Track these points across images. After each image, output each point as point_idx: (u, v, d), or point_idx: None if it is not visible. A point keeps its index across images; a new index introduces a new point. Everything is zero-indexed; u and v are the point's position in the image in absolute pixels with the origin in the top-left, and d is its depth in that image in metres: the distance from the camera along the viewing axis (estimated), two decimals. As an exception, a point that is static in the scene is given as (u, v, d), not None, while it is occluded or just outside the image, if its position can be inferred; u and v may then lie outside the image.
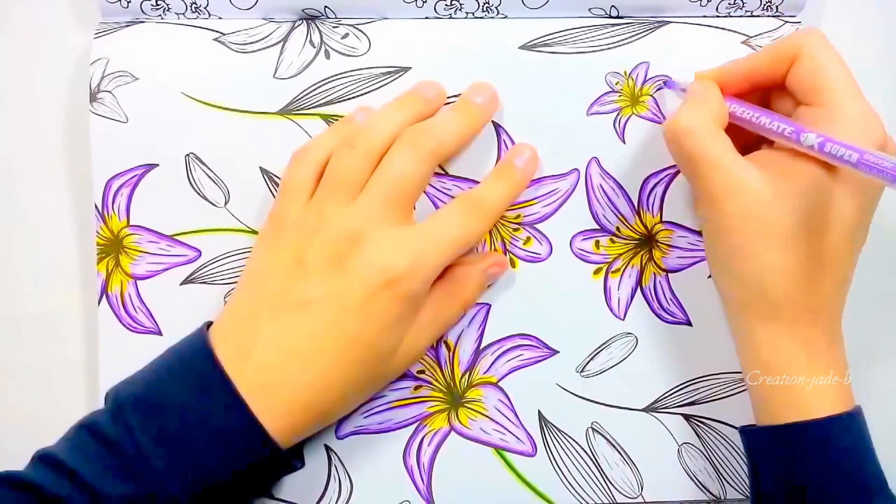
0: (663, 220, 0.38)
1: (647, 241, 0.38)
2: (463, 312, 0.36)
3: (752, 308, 0.33)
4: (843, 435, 0.31)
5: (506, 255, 0.37)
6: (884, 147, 0.31)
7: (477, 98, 0.36)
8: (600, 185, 0.37)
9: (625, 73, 0.37)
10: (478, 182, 0.37)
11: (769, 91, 0.35)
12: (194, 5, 0.37)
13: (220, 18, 0.38)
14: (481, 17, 0.38)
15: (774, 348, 0.32)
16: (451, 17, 0.38)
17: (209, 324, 0.34)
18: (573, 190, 0.37)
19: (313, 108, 0.37)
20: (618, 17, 0.38)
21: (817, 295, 0.32)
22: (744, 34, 0.37)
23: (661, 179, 0.37)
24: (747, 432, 0.34)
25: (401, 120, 0.35)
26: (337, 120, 0.37)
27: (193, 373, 0.31)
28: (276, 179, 0.37)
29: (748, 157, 0.33)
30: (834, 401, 0.32)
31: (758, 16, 0.38)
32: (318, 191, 0.34)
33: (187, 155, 0.37)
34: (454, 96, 0.37)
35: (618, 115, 0.37)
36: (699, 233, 0.38)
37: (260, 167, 0.37)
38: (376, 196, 0.33)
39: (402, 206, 0.33)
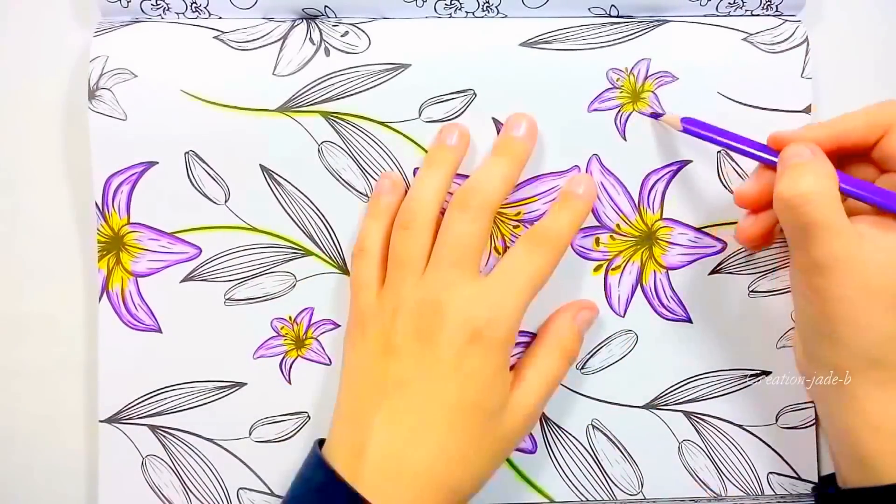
0: (664, 216, 0.37)
1: (648, 238, 0.38)
2: (567, 363, 0.36)
3: (863, 374, 0.31)
4: None
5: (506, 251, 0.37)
6: None
7: (517, 132, 0.36)
8: (601, 182, 0.37)
9: (626, 69, 0.37)
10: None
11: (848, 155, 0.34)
12: (194, 5, 0.37)
13: (220, 18, 0.37)
14: (481, 17, 0.38)
15: (888, 413, 0.31)
16: (450, 17, 0.38)
17: (321, 441, 0.34)
18: (574, 187, 0.37)
19: (313, 104, 0.37)
20: (618, 17, 0.38)
21: None
22: (744, 31, 0.37)
23: (662, 176, 0.37)
24: (834, 496, 0.33)
25: (439, 184, 0.35)
26: (339, 117, 0.37)
27: (316, 490, 0.32)
28: (276, 176, 0.37)
29: (854, 223, 0.31)
30: None
31: (757, 15, 0.38)
32: (388, 277, 0.35)
33: (187, 152, 0.37)
34: (457, 92, 0.37)
35: (619, 111, 0.37)
36: (700, 230, 0.37)
37: (260, 164, 0.37)
38: (444, 264, 0.33)
39: (470, 266, 0.34)
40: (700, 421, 0.38)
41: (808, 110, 0.37)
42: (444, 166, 0.36)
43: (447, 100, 0.37)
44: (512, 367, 0.35)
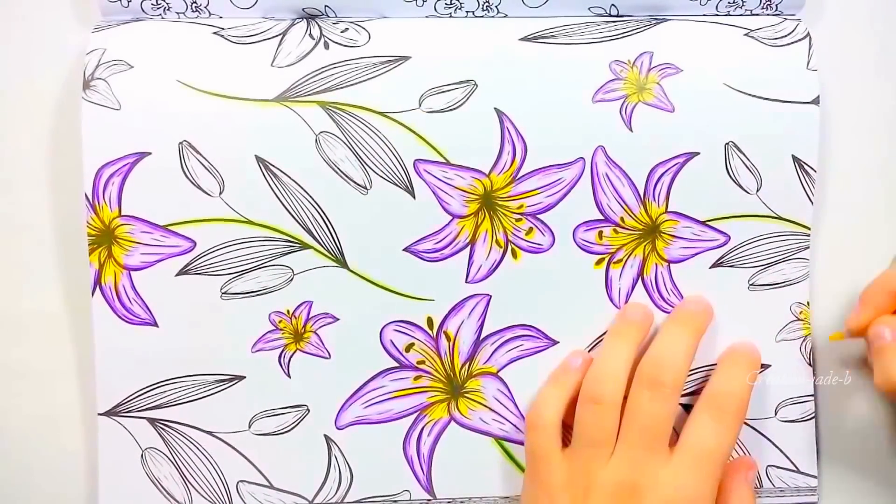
0: (669, 209, 0.37)
1: (652, 232, 0.37)
2: None
3: None
4: None
5: (507, 246, 0.37)
6: None
7: (693, 305, 0.36)
8: (606, 175, 0.37)
9: (629, 61, 0.36)
10: (479, 171, 0.36)
11: None
12: (194, 4, 0.36)
13: (221, 18, 0.36)
14: (482, 17, 0.37)
15: None
16: (451, 17, 0.37)
17: None
18: (578, 179, 0.37)
19: (311, 95, 0.35)
20: (618, 16, 0.37)
21: None
22: (746, 28, 0.36)
23: (669, 169, 0.37)
24: None
25: (628, 358, 0.35)
26: (338, 107, 0.35)
27: None
28: (271, 167, 0.36)
29: None
30: None
31: (757, 14, 0.37)
32: (575, 452, 0.34)
33: (181, 143, 0.35)
34: (458, 83, 0.36)
35: (624, 102, 0.36)
36: (704, 223, 0.37)
37: (256, 155, 0.36)
38: (636, 444, 0.33)
39: (662, 446, 0.34)
40: None
41: (816, 101, 0.36)
42: (631, 342, 0.36)
43: (448, 90, 0.36)
44: None
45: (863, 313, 0.34)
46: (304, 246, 0.36)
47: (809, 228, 0.37)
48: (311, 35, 0.36)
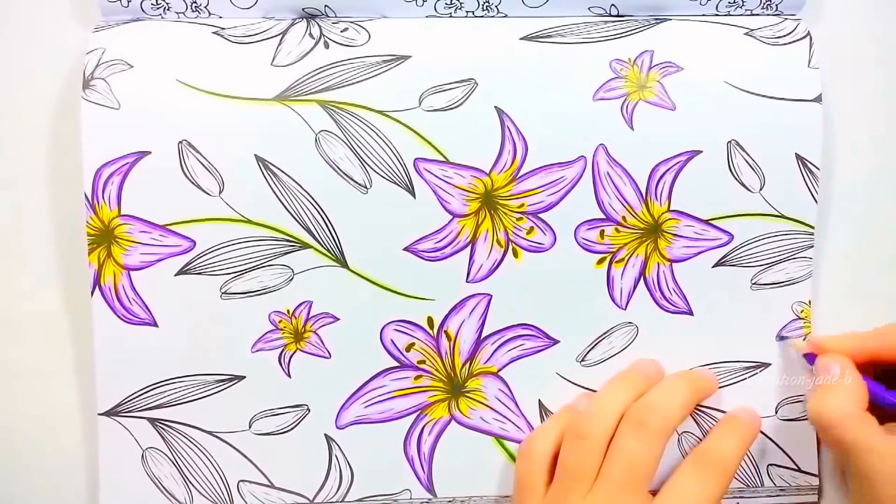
0: (671, 208, 0.37)
1: (654, 231, 0.37)
2: None
3: None
4: None
5: (508, 245, 0.36)
6: None
7: (702, 372, 0.37)
8: (607, 174, 0.36)
9: (629, 60, 0.36)
10: (480, 170, 0.36)
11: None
12: (194, 4, 0.36)
13: (221, 18, 0.36)
14: (482, 16, 0.37)
15: None
16: (451, 17, 0.36)
17: None
18: (580, 178, 0.36)
19: (310, 94, 0.35)
20: (618, 16, 0.37)
21: None
22: (746, 27, 0.36)
23: (671, 167, 0.36)
24: None
25: (625, 401, 0.35)
26: (337, 106, 0.35)
27: None
28: (271, 167, 0.36)
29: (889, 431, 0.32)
30: None
31: (757, 14, 0.37)
32: (556, 485, 0.34)
33: (180, 142, 0.35)
34: (458, 82, 0.35)
35: (625, 100, 0.36)
36: (707, 222, 0.37)
37: (255, 154, 0.35)
38: (614, 483, 0.33)
39: (640, 489, 0.33)
40: (698, 413, 0.38)
41: (818, 100, 0.36)
42: (636, 387, 0.35)
43: (448, 89, 0.35)
44: None
45: (836, 343, 0.35)
46: (304, 245, 0.36)
47: (814, 227, 0.37)
48: (310, 35, 0.35)
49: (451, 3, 0.36)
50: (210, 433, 0.37)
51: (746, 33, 0.37)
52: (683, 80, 0.36)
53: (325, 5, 0.36)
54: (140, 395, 0.36)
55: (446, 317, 0.37)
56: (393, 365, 0.37)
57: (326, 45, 0.35)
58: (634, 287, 0.37)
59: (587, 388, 0.37)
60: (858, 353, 0.34)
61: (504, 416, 0.37)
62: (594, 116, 0.36)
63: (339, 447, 0.37)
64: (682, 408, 0.35)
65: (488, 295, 0.37)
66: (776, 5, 0.37)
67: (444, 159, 0.36)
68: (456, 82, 0.35)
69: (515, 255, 0.37)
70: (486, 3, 0.36)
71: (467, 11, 0.37)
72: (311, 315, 0.37)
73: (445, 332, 0.37)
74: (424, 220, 0.36)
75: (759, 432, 0.37)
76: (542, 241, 0.37)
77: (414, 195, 0.36)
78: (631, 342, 0.37)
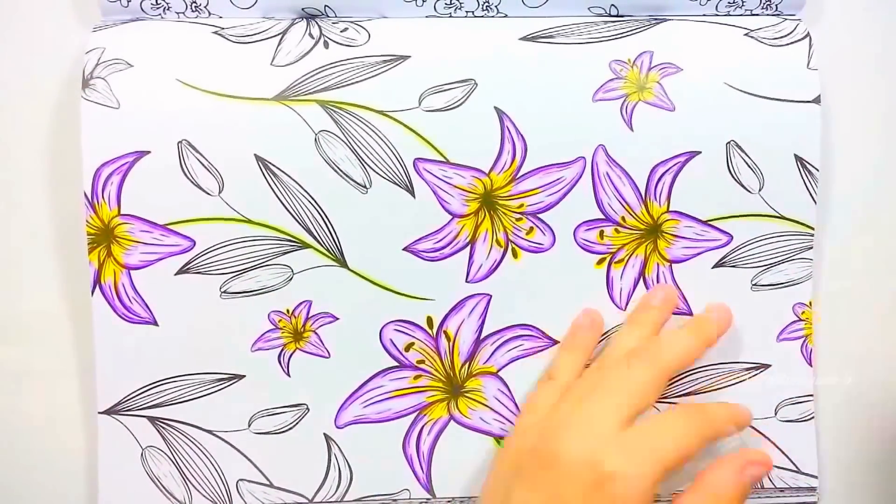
0: (670, 209, 0.37)
1: (653, 232, 0.37)
2: None
3: None
4: None
5: (508, 245, 0.37)
6: None
7: (711, 314, 0.36)
8: (607, 174, 0.36)
9: (629, 60, 0.36)
10: (479, 170, 0.36)
11: None
12: (194, 4, 0.36)
13: (221, 17, 0.36)
14: (482, 17, 0.37)
15: None
16: (451, 17, 0.36)
17: None
18: (579, 178, 0.36)
19: (310, 94, 0.35)
20: (618, 16, 0.37)
21: None
22: (745, 28, 0.36)
23: (670, 168, 0.36)
24: None
25: (640, 339, 0.35)
26: (337, 106, 0.35)
27: None
28: (270, 166, 0.36)
29: None
30: None
31: (757, 14, 0.37)
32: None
33: (180, 142, 0.35)
34: (458, 82, 0.35)
35: (624, 101, 0.36)
36: (706, 223, 0.37)
37: (255, 154, 0.36)
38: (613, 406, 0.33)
39: (630, 418, 0.32)
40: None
41: (817, 101, 0.36)
42: (648, 325, 0.36)
43: (448, 89, 0.36)
44: None
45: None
46: (304, 245, 0.36)
47: (813, 228, 0.37)
48: (310, 34, 0.36)
49: (451, 3, 0.36)
50: (209, 432, 0.37)
51: (746, 34, 0.37)
52: (683, 80, 0.36)
53: (325, 5, 0.36)
54: (140, 394, 0.36)
55: (446, 317, 0.37)
56: (392, 365, 0.37)
57: (326, 45, 0.35)
58: (634, 287, 0.37)
59: (586, 389, 0.37)
60: None
61: (503, 417, 0.37)
62: (594, 117, 0.36)
63: (339, 447, 0.37)
64: (686, 353, 0.34)
65: (488, 295, 0.37)
66: (776, 5, 0.37)
67: (443, 159, 0.36)
68: (455, 82, 0.36)
69: (515, 255, 0.37)
70: (486, 3, 0.36)
71: (467, 11, 0.37)
72: (310, 315, 0.37)
73: (445, 332, 0.37)
74: (424, 220, 0.36)
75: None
76: (541, 241, 0.37)
77: (413, 195, 0.36)
78: (630, 342, 0.37)
